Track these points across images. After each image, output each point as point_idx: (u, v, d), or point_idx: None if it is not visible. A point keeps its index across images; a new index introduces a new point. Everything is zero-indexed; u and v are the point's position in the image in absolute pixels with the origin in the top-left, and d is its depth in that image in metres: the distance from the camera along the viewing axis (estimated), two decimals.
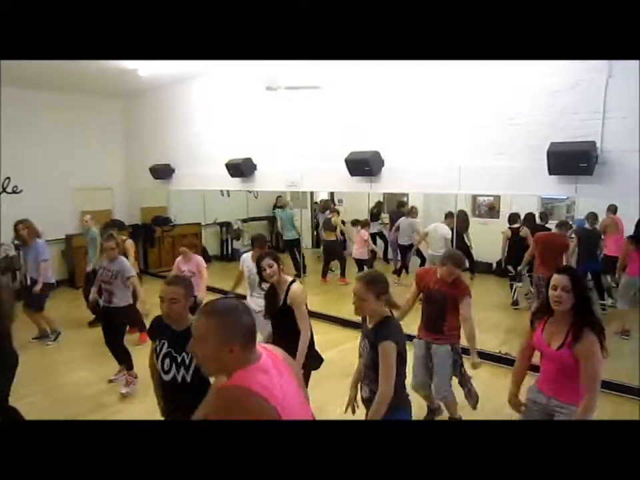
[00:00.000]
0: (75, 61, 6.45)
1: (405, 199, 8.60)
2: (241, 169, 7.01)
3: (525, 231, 6.56)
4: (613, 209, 6.13)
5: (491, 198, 8.03)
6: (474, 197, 8.09)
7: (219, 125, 7.71)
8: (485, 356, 5.08)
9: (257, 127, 7.08)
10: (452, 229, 6.61)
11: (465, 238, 7.37)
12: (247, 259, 4.66)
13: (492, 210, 8.08)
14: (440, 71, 5.02)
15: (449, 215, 6.75)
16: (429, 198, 7.77)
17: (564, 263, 5.58)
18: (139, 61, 6.55)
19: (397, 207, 8.57)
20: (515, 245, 6.62)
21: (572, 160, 4.03)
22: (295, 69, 6.28)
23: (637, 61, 3.85)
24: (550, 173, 4.23)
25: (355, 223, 8.15)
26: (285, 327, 3.39)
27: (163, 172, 8.66)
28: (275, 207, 10.30)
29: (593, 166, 4.02)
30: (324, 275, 8.36)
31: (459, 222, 6.87)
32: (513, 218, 6.70)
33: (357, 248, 7.89)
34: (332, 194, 9.91)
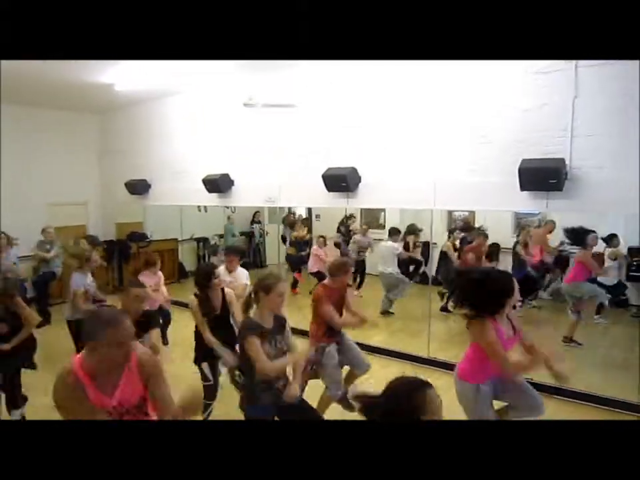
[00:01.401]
0: (50, 75, 6.39)
1: (382, 214, 8.69)
2: (218, 184, 7.00)
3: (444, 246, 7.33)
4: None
5: (466, 213, 8.15)
6: (449, 212, 8.21)
7: (196, 141, 7.70)
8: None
9: (234, 142, 7.09)
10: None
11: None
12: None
13: (467, 224, 8.20)
14: (415, 89, 5.15)
15: (393, 232, 7.28)
16: (405, 213, 7.85)
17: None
18: (116, 76, 6.52)
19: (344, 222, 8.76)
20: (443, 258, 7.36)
21: (543, 176, 4.16)
22: (272, 85, 6.35)
23: (601, 83, 4.03)
24: (522, 189, 4.35)
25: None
26: (226, 322, 3.97)
27: (139, 187, 8.57)
28: (252, 222, 10.28)
29: (562, 182, 4.15)
30: (293, 287, 8.38)
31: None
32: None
33: (313, 263, 7.98)
34: (309, 209, 9.94)
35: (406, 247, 7.46)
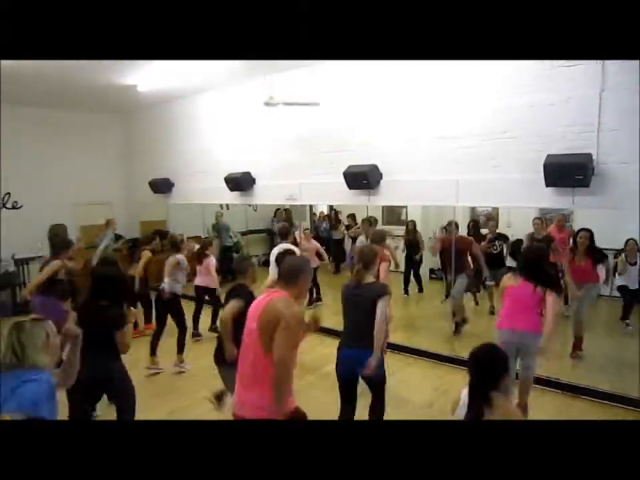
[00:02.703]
0: (75, 77, 6.50)
1: (404, 210, 8.65)
2: (240, 182, 7.04)
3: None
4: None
5: (489, 208, 8.04)
6: (472, 208, 8.11)
7: (217, 140, 7.76)
8: None
9: (255, 141, 7.12)
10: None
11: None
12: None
13: (490, 220, 8.10)
14: (437, 85, 5.08)
15: (365, 221, 7.29)
16: (427, 209, 7.80)
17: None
18: (138, 77, 6.60)
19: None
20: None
21: (568, 172, 4.05)
22: (293, 83, 6.34)
23: (628, 76, 3.90)
24: (547, 185, 4.25)
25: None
26: None
27: (162, 186, 8.69)
28: (273, 219, 10.33)
29: (589, 178, 4.04)
30: None
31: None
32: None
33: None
34: (331, 207, 9.95)
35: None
